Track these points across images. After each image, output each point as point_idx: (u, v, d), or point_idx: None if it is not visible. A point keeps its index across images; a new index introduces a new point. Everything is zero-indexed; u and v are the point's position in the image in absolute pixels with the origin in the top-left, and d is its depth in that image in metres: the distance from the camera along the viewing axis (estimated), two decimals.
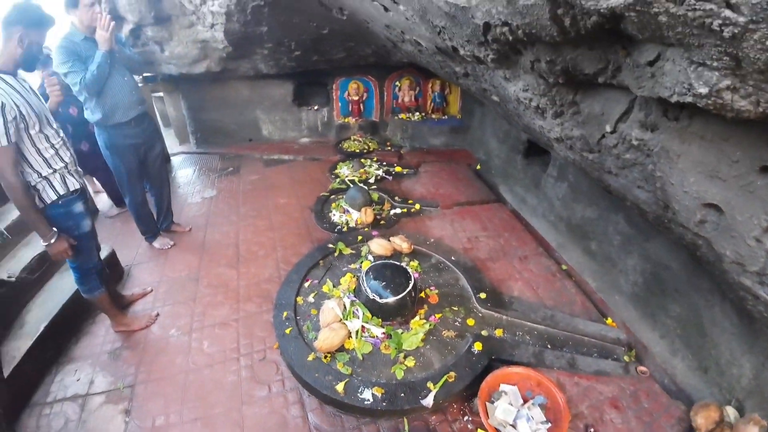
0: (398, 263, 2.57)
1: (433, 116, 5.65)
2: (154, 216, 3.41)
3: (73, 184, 2.11)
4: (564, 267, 2.99)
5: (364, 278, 2.42)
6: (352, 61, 5.09)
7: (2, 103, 1.73)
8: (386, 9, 2.83)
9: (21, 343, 2.32)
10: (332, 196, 3.95)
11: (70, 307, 2.62)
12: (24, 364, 2.24)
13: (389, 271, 2.46)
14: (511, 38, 1.64)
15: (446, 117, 5.65)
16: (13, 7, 1.85)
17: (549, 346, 2.29)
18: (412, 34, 2.92)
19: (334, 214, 3.60)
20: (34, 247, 2.86)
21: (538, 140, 2.78)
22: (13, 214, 3.01)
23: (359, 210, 3.53)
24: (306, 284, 2.70)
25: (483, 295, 2.57)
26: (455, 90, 5.58)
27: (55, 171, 2.01)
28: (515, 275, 2.86)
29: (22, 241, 2.95)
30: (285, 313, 2.43)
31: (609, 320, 2.51)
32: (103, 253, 3.00)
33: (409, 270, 2.49)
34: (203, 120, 5.48)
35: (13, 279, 2.56)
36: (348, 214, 3.55)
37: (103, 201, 4.41)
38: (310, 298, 2.57)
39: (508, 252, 3.11)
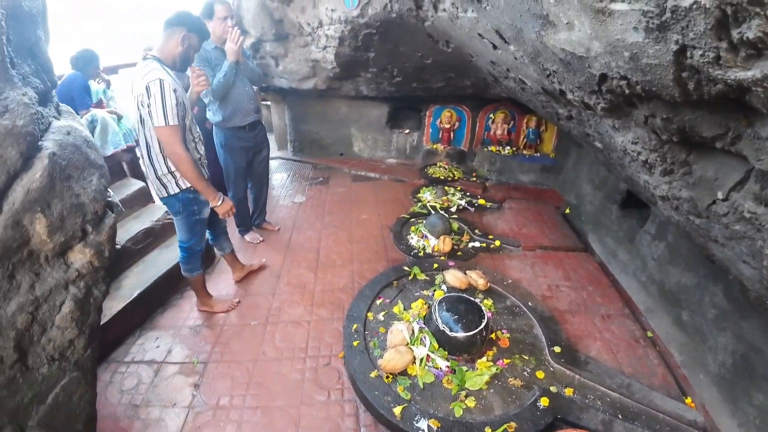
0: (472, 299, 2.54)
1: (525, 152, 5.54)
2: (250, 212, 3.73)
3: (205, 174, 2.35)
4: (650, 334, 2.73)
5: (437, 308, 2.42)
6: (449, 90, 5.20)
7: (174, 88, 1.92)
8: (495, 47, 2.87)
9: (113, 304, 2.63)
10: (412, 219, 4.02)
11: (163, 280, 2.94)
12: (112, 323, 2.53)
13: (463, 306, 2.44)
14: (627, 92, 1.59)
15: (538, 154, 5.50)
16: (178, 11, 2.08)
17: (620, 417, 2.10)
18: (518, 72, 2.93)
19: (412, 238, 3.66)
20: (142, 221, 3.26)
21: (640, 194, 2.61)
22: (127, 189, 3.44)
23: (438, 237, 3.55)
24: (378, 301, 2.76)
25: (557, 349, 2.43)
26: (551, 128, 5.44)
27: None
28: (595, 334, 2.67)
29: (133, 214, 3.38)
30: (355, 326, 2.51)
31: (689, 399, 2.25)
32: None
33: (483, 308, 2.45)
34: (302, 131, 5.90)
35: (119, 246, 2.92)
36: (426, 240, 3.59)
37: None
38: (380, 316, 2.63)
39: (590, 307, 2.92)
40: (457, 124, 5.71)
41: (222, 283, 3.17)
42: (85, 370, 1.53)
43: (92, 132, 3.19)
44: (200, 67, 2.88)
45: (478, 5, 2.54)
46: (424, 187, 4.79)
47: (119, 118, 3.40)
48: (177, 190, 2.22)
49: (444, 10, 3.16)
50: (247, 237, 3.69)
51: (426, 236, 3.63)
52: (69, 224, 1.39)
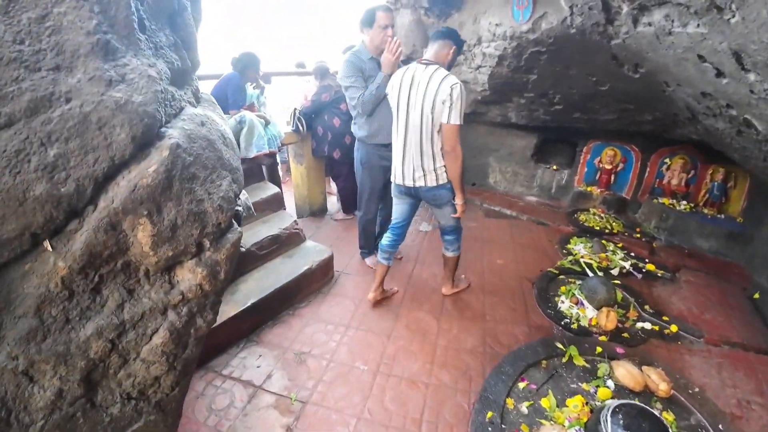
0: (656, 414, 1.78)
1: (705, 211, 4.35)
2: (375, 234, 3.42)
3: None
4: None
5: (609, 420, 1.72)
6: (619, 125, 4.35)
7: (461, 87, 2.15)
8: (720, 74, 2.13)
9: (226, 309, 2.47)
10: (561, 276, 3.29)
11: (279, 292, 2.74)
12: (220, 329, 2.36)
13: (647, 424, 1.70)
14: None
15: (722, 216, 4.26)
16: (449, 28, 2.41)
17: None
18: (747, 111, 2.12)
19: (563, 301, 2.94)
20: (270, 227, 3.14)
21: None
22: (263, 193, 3.37)
23: (597, 308, 2.78)
24: (521, 384, 2.13)
25: None
26: (742, 184, 4.19)
27: None
28: None
29: (263, 218, 3.28)
30: (489, 414, 1.93)
31: None
32: (322, 256, 3.11)
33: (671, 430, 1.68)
34: None
35: (243, 249, 2.81)
36: (581, 308, 2.84)
37: (332, 202, 4.81)
38: (524, 407, 2.00)
39: None
40: (620, 165, 4.78)
41: (336, 307, 2.87)
42: (167, 412, 1.24)
43: (239, 132, 3.20)
44: (353, 78, 2.68)
45: (715, 17, 1.86)
46: (576, 237, 3.98)
47: (267, 123, 3.39)
48: (446, 181, 2.40)
49: (649, 24, 2.49)
50: (368, 261, 3.38)
51: (582, 303, 2.88)
52: (182, 236, 1.11)
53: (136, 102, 0.97)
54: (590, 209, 4.68)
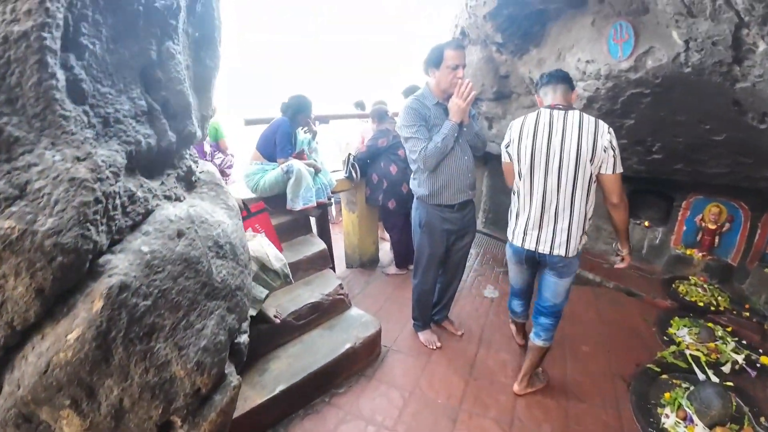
0: None
1: None
2: (432, 305, 2.93)
3: None
4: None
5: None
6: (729, 179, 3.59)
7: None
8: None
9: (251, 394, 2.11)
10: (664, 376, 2.59)
11: (316, 376, 2.32)
12: (241, 420, 1.98)
13: None
14: None
15: None
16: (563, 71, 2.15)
17: None
18: None
19: (667, 415, 2.26)
20: (312, 290, 2.77)
21: None
22: (308, 248, 3.04)
23: (710, 427, 2.09)
24: None
25: None
26: None
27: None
28: None
29: (305, 279, 2.92)
30: None
31: None
32: (368, 330, 2.67)
33: None
34: (502, 203, 4.99)
35: (278, 320, 2.45)
36: (690, 427, 2.16)
37: (384, 250, 4.39)
38: None
39: None
40: (726, 225, 3.96)
41: (380, 398, 2.39)
42: None
43: (285, 182, 2.91)
44: (415, 128, 2.27)
45: None
46: (677, 318, 3.24)
47: (317, 171, 3.08)
48: (581, 249, 2.10)
49: None
50: (422, 336, 2.88)
51: (690, 420, 2.19)
52: (134, 421, 0.72)
53: (42, 231, 0.61)
54: (690, 278, 3.87)
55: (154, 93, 0.98)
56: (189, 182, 1.10)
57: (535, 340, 2.29)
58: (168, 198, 0.97)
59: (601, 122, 1.93)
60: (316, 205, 2.97)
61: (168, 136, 0.99)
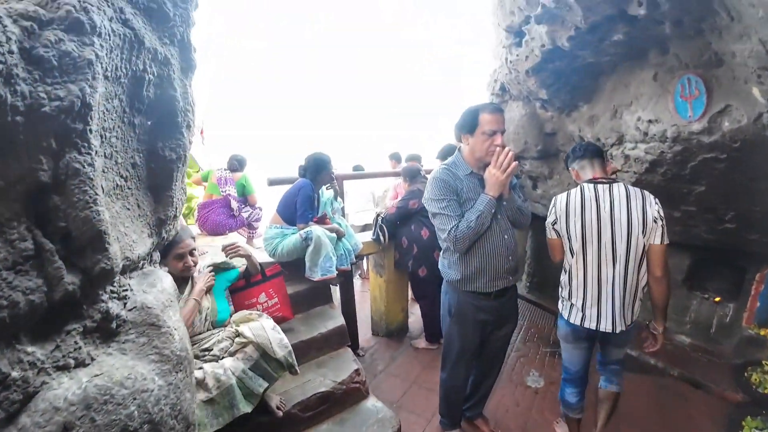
0: None
1: None
2: (462, 401, 2.48)
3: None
4: None
5: None
6: None
7: None
8: None
9: None
10: None
11: None
12: None
13: None
14: None
15: None
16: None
17: None
18: None
19: None
20: (324, 376, 2.44)
21: None
22: (325, 321, 2.76)
23: None
24: None
25: None
26: None
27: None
28: None
29: (317, 360, 2.59)
30: None
31: None
32: (386, 429, 2.26)
33: None
34: (548, 267, 4.50)
35: (280, 413, 2.12)
36: None
37: (415, 316, 4.00)
38: None
39: None
40: None
41: None
42: None
43: (304, 249, 2.65)
44: (444, 203, 1.94)
45: None
46: (749, 417, 2.62)
47: (340, 236, 2.82)
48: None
49: None
50: None
51: None
52: None
53: None
54: (764, 363, 3.21)
55: (48, 226, 0.73)
56: (107, 331, 0.83)
57: (609, 386, 2.24)
58: (63, 368, 0.69)
59: (647, 193, 1.95)
60: (336, 275, 2.68)
61: (63, 284, 0.72)
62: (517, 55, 2.79)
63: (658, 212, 1.90)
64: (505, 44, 2.94)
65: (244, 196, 4.41)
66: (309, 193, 2.72)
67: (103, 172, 0.84)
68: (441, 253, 2.17)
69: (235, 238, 4.60)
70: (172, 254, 1.83)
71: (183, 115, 1.11)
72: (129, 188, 0.98)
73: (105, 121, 0.83)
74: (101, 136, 0.83)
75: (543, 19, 2.26)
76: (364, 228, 5.68)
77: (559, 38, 2.35)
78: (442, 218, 1.93)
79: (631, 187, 1.95)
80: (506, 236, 2.02)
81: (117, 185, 0.92)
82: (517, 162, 1.88)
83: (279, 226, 2.80)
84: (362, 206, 5.84)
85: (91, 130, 0.77)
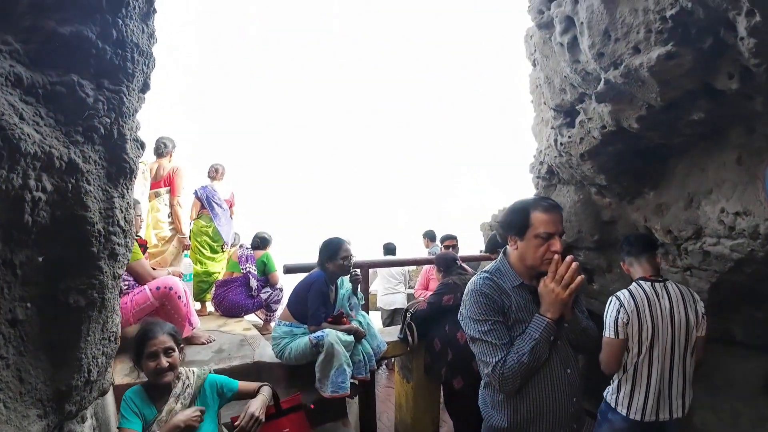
0: None
1: None
2: None
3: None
4: None
5: None
6: None
7: None
8: None
9: None
10: None
11: None
12: None
13: None
14: None
15: None
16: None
17: None
18: None
19: None
20: None
21: None
22: None
23: None
24: None
25: None
26: None
27: None
28: None
29: None
30: None
31: None
32: None
33: None
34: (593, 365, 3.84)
35: None
36: None
37: (448, 424, 3.36)
38: None
39: None
40: None
41: None
42: None
43: (314, 356, 2.22)
44: (487, 325, 1.49)
45: None
46: None
47: (359, 337, 2.38)
48: None
49: None
50: None
51: None
52: None
53: None
54: None
55: None
56: None
57: None
58: None
59: (692, 290, 2.18)
60: (349, 393, 2.20)
61: None
62: (569, 137, 2.44)
63: (703, 308, 2.14)
64: (554, 125, 2.62)
65: (265, 275, 4.16)
66: (322, 288, 2.34)
67: None
68: (482, 385, 1.68)
69: (252, 320, 4.28)
70: (145, 353, 1.59)
71: (102, 242, 0.81)
72: (2, 358, 0.66)
73: None
74: None
75: (606, 97, 1.92)
76: (394, 313, 5.18)
77: (626, 119, 2.00)
78: (484, 347, 1.47)
79: (680, 286, 2.15)
80: (569, 370, 1.52)
81: None
82: (582, 276, 1.43)
83: (288, 323, 2.41)
84: (392, 287, 5.38)
85: None
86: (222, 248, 4.46)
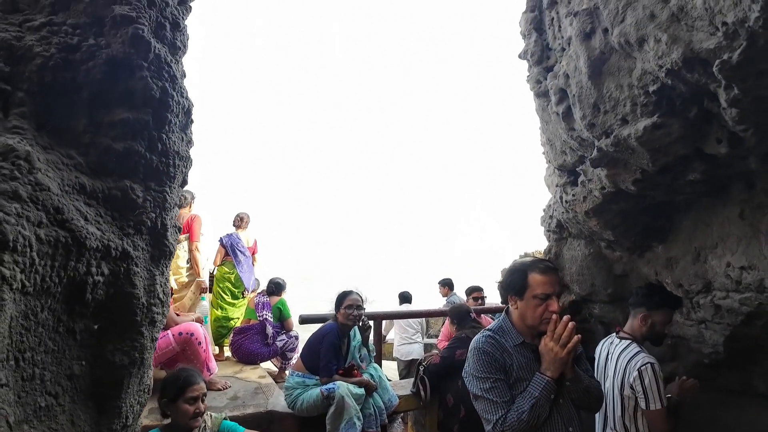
0: None
1: None
2: None
3: None
4: None
5: None
6: None
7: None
8: None
9: None
10: None
11: None
12: None
13: None
14: None
15: None
16: (641, 291, 2.31)
17: None
18: None
19: None
20: None
21: None
22: None
23: None
24: None
25: None
26: None
27: None
28: None
29: None
30: None
31: None
32: None
33: None
34: None
35: None
36: None
37: None
38: None
39: None
40: None
41: None
42: None
43: (325, 408, 2.26)
44: (489, 382, 1.55)
45: None
46: None
47: (370, 390, 2.41)
48: None
49: None
50: None
51: None
52: None
53: None
54: None
55: None
56: None
57: None
58: None
59: (637, 358, 2.07)
60: None
61: None
62: (574, 195, 2.55)
63: (635, 381, 2.03)
64: (559, 182, 2.73)
65: (281, 321, 4.25)
66: (333, 340, 2.42)
67: (18, 398, 0.66)
68: None
69: (268, 367, 4.33)
70: (183, 397, 1.66)
71: (145, 312, 0.96)
72: (60, 405, 0.80)
73: (22, 342, 0.68)
74: (15, 360, 0.67)
75: (601, 163, 2.05)
76: (410, 364, 5.10)
77: (623, 181, 2.10)
78: (486, 404, 1.52)
79: (632, 349, 2.11)
80: (571, 429, 1.55)
81: (40, 407, 0.74)
82: (579, 336, 1.49)
83: (301, 374, 2.47)
84: (409, 336, 5.34)
85: None
86: (243, 294, 4.61)
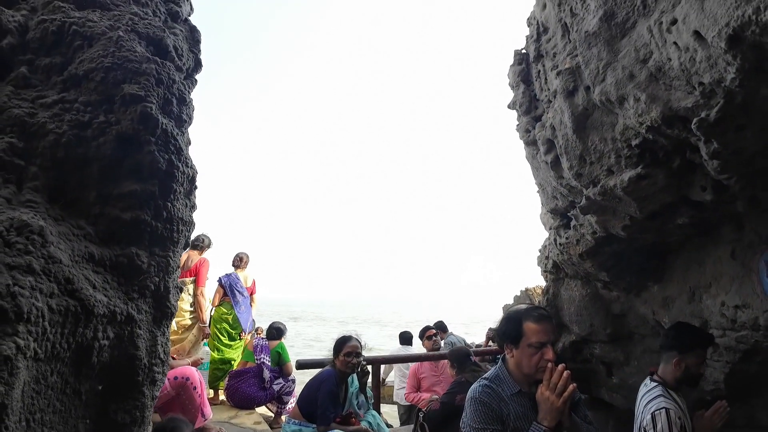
0: None
1: None
2: None
3: None
4: None
5: None
6: None
7: (678, 416, 1.85)
8: None
9: None
10: None
11: None
12: None
13: None
14: None
15: None
16: (671, 332, 2.14)
17: None
18: None
19: None
20: None
21: None
22: None
23: None
24: None
25: None
26: None
27: None
28: None
29: None
30: None
31: None
32: None
33: None
34: None
35: None
36: None
37: None
38: None
39: None
40: None
41: None
42: None
43: None
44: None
45: None
46: None
47: None
48: None
49: None
50: None
51: None
52: None
53: None
54: None
55: None
56: None
57: None
58: None
59: (654, 402, 2.02)
60: None
61: None
62: (567, 239, 2.60)
63: (648, 424, 1.98)
64: (552, 225, 2.79)
65: (279, 365, 4.18)
66: (331, 387, 2.39)
67: None
68: None
69: (263, 412, 4.22)
70: None
71: (146, 372, 0.99)
72: None
73: (33, 404, 0.71)
74: (26, 421, 0.69)
75: (590, 210, 2.11)
76: (410, 409, 4.96)
77: (612, 227, 2.16)
78: None
79: (654, 393, 2.03)
80: None
81: None
82: (574, 385, 1.50)
83: (298, 422, 2.43)
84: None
85: (7, 427, 0.63)
86: (240, 336, 4.54)
